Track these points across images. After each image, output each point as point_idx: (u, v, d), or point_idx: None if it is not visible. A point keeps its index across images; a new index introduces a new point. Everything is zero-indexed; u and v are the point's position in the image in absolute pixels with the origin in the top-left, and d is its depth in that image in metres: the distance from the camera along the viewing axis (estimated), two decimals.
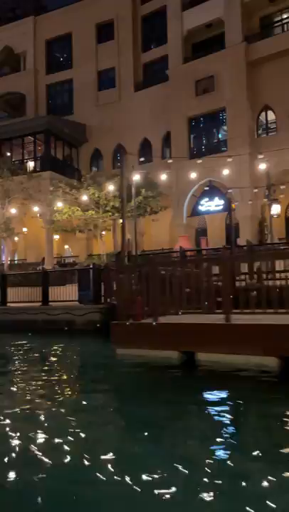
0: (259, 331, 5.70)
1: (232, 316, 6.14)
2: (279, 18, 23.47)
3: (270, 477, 2.99)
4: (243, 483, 2.94)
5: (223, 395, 5.30)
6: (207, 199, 24.08)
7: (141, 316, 6.92)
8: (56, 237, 28.87)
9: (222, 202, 23.68)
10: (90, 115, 28.88)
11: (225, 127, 23.67)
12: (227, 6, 23.21)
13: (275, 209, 17.40)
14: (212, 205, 23.91)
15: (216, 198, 23.81)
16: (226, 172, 21.09)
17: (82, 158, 29.40)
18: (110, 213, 17.94)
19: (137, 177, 16.28)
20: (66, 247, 32.79)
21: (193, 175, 22.05)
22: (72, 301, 13.75)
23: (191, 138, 24.82)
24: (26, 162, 26.53)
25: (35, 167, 26.06)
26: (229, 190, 21.21)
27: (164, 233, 27.73)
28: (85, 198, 16.36)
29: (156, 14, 27.42)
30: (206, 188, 23.34)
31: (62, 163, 27.28)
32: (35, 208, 20.09)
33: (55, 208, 18.19)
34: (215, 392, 5.35)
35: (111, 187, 15.49)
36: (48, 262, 24.66)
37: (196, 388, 5.53)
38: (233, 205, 23.00)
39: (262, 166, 19.38)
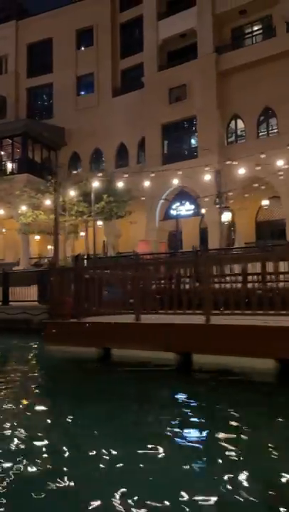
0: (161, 329, 6.39)
1: (146, 316, 6.82)
2: (249, 30, 24.28)
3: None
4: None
5: (128, 385, 6.00)
6: (178, 203, 24.81)
7: (70, 315, 7.59)
8: (37, 237, 29.43)
9: (192, 207, 24.45)
10: (69, 119, 29.48)
11: (196, 134, 24.42)
12: (199, 17, 23.99)
13: (226, 216, 18.23)
14: (183, 209, 24.66)
15: (187, 203, 24.57)
16: (196, 178, 21.85)
17: (60, 161, 29.96)
18: (74, 217, 18.61)
19: (96, 184, 16.97)
20: (49, 247, 33.35)
21: (165, 180, 22.79)
22: (34, 301, 14.41)
23: (164, 144, 25.55)
24: (4, 164, 27.06)
25: (12, 169, 26.61)
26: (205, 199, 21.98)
27: (141, 235, 28.35)
28: (48, 202, 17.02)
29: (134, 22, 28.10)
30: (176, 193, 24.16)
31: (40, 166, 27.83)
32: (1, 211, 20.68)
33: (19, 211, 18.83)
34: (121, 382, 6.08)
35: (72, 192, 16.13)
36: (24, 262, 25.24)
37: (105, 378, 6.26)
38: (203, 210, 23.88)
39: (240, 171, 20.08)
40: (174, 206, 25.05)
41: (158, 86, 25.04)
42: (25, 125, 26.77)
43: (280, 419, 4.45)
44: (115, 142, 28.18)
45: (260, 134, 23.36)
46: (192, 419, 4.50)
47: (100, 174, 18.89)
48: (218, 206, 18.91)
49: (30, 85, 31.49)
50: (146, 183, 22.00)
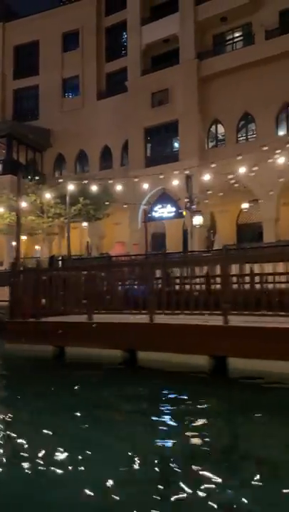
0: (109, 328, 6.78)
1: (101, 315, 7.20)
2: (230, 37, 24.78)
3: None
4: None
5: (78, 379, 6.42)
6: (160, 206, 25.23)
7: (28, 315, 7.95)
8: (24, 237, 29.68)
9: (174, 209, 24.88)
10: (54, 121, 29.78)
11: (178, 138, 24.84)
12: (182, 23, 24.44)
13: (197, 220, 18.69)
14: (165, 211, 25.09)
15: (169, 205, 25.00)
16: (176, 181, 22.32)
17: (46, 162, 30.31)
18: (50, 219, 18.96)
19: (71, 187, 17.34)
20: (37, 247, 33.62)
21: (147, 182, 23.21)
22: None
23: (147, 147, 25.96)
24: None
25: None
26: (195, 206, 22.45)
27: (124, 236, 28.74)
28: (24, 204, 17.35)
29: (119, 26, 28.48)
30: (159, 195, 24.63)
31: (25, 168, 28.09)
32: None
33: None
34: (72, 376, 6.52)
35: (48, 195, 16.46)
36: (7, 262, 25.48)
37: (53, 375, 6.68)
38: (184, 212, 24.32)
39: (206, 177, 20.59)
40: (156, 208, 25.48)
41: (141, 90, 25.45)
42: (11, 127, 27.05)
43: (206, 405, 4.93)
44: (100, 144, 28.55)
45: (240, 138, 23.84)
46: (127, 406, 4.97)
47: (61, 180, 19.08)
48: (187, 210, 19.37)
49: (17, 87, 31.73)
50: (128, 186, 22.48)
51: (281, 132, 22.50)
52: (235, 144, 23.70)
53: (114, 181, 20.75)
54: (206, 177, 18.06)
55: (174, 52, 25.23)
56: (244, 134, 23.77)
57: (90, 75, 29.25)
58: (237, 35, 24.61)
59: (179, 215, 24.80)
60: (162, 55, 26.17)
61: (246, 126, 23.72)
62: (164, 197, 25.21)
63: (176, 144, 25.18)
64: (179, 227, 26.88)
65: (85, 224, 28.44)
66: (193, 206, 17.73)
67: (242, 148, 22.44)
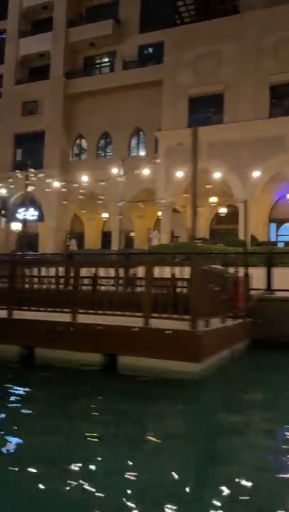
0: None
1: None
2: (99, 61, 27.28)
3: None
4: None
5: None
6: (24, 208, 26.72)
7: None
8: None
9: (36, 212, 26.58)
10: None
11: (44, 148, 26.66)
12: (54, 41, 26.41)
13: (15, 226, 20.83)
14: (28, 214, 26.61)
15: (32, 209, 26.59)
16: (39, 187, 24.15)
17: None
18: None
19: None
20: None
21: (14, 185, 24.71)
22: None
23: (16, 152, 27.41)
24: None
25: None
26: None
27: None
28: None
29: (2, 34, 29.61)
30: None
31: None
32: None
33: None
34: None
35: None
36: None
37: None
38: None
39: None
40: (19, 210, 26.92)
41: (14, 98, 26.91)
42: None
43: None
44: None
45: (99, 154, 26.30)
46: None
47: None
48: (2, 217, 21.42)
49: None
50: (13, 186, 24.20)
51: (132, 153, 25.33)
52: (96, 158, 26.10)
53: None
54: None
55: (48, 67, 27.08)
56: (103, 151, 26.26)
57: None
58: (104, 60, 27.16)
59: (40, 218, 26.59)
60: (38, 68, 27.90)
61: (105, 144, 26.24)
62: (29, 200, 26.72)
63: (43, 153, 26.92)
64: (47, 229, 28.61)
65: None
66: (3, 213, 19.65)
67: (100, 163, 24.86)
